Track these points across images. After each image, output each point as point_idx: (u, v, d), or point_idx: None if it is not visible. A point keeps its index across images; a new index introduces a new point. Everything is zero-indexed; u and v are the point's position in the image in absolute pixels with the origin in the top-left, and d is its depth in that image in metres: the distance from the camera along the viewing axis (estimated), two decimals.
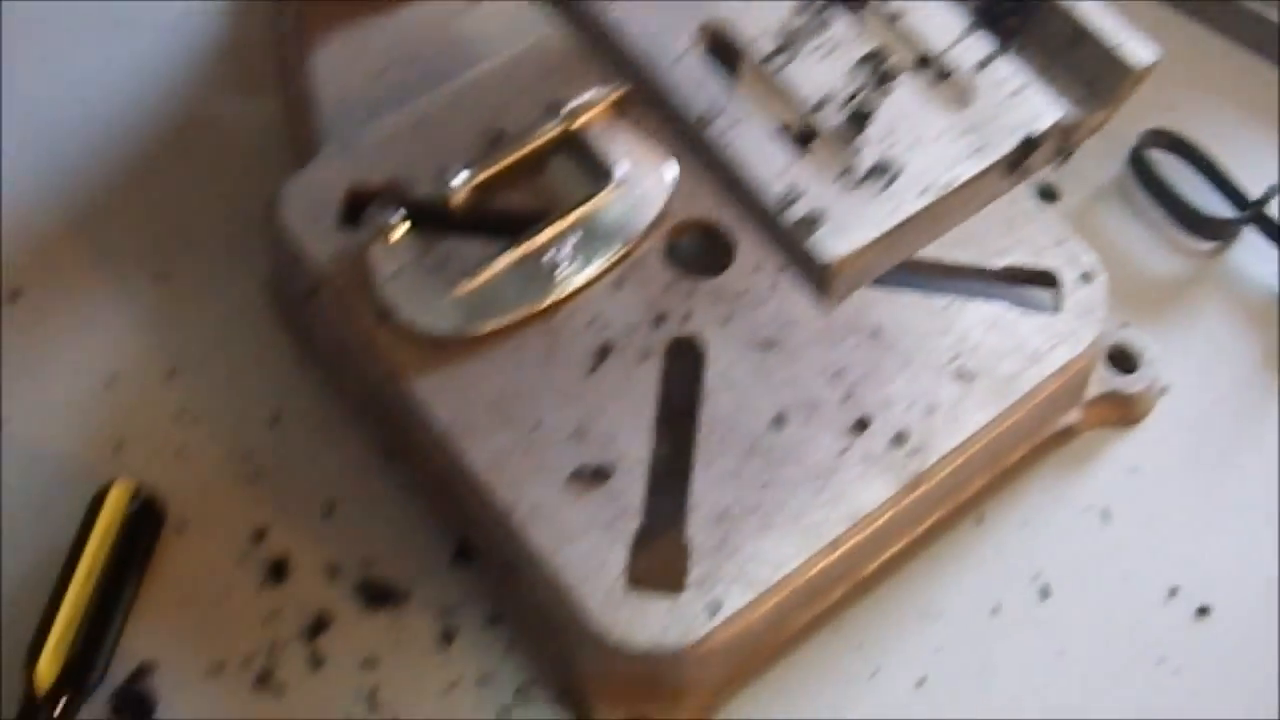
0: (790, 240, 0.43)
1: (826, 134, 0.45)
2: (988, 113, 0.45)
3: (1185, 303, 0.65)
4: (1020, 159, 0.45)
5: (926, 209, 0.44)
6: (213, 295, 0.63)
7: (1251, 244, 0.66)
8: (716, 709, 0.55)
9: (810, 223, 0.42)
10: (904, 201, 0.43)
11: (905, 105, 0.45)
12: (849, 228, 0.43)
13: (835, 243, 0.43)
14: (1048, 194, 0.66)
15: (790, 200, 0.43)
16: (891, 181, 0.44)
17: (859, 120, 0.45)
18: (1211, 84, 0.70)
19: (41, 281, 0.63)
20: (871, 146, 0.44)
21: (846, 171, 0.44)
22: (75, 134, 0.67)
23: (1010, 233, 0.60)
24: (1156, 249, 0.66)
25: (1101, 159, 0.67)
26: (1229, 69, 0.70)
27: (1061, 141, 0.46)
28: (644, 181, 0.59)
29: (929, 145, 0.45)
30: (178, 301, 0.63)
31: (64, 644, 0.54)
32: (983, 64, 0.46)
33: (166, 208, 0.65)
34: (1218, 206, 0.66)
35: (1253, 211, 0.65)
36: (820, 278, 0.43)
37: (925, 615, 0.58)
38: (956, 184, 0.44)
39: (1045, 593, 0.59)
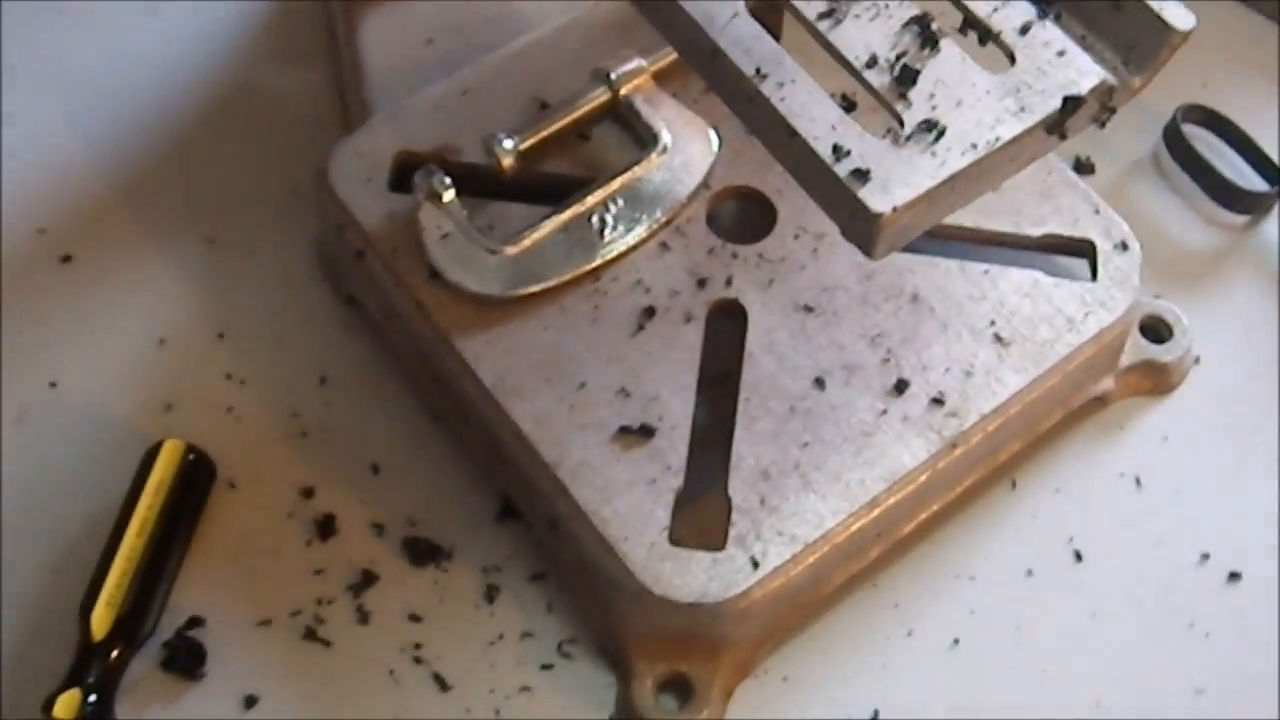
0: (843, 192, 0.44)
1: (874, 93, 0.46)
2: (1030, 75, 0.46)
3: (1218, 275, 0.66)
4: (1062, 120, 0.46)
5: (971, 166, 0.45)
6: (261, 259, 0.64)
7: None
8: (754, 665, 0.57)
9: (862, 174, 0.44)
10: (949, 159, 0.45)
11: (950, 67, 0.46)
12: (897, 182, 0.44)
13: (885, 196, 0.44)
14: (1083, 167, 0.67)
15: (842, 154, 0.44)
16: (938, 139, 0.45)
17: (905, 80, 0.46)
18: (1246, 59, 0.70)
19: (92, 246, 0.65)
20: (918, 106, 0.45)
21: (893, 130, 0.45)
22: (126, 100, 0.68)
23: (1047, 202, 0.61)
24: (1190, 222, 0.67)
25: (1136, 134, 0.68)
26: (1263, 44, 0.71)
27: (1102, 103, 0.47)
28: (687, 149, 0.60)
29: (973, 105, 0.46)
30: (227, 265, 0.64)
31: (117, 596, 0.55)
32: (1025, 28, 0.47)
33: (215, 173, 0.66)
34: (1252, 180, 0.67)
35: None
36: (870, 229, 0.44)
37: (960, 577, 0.59)
38: (1000, 143, 0.45)
39: (1078, 557, 0.59)
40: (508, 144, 0.59)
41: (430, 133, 0.61)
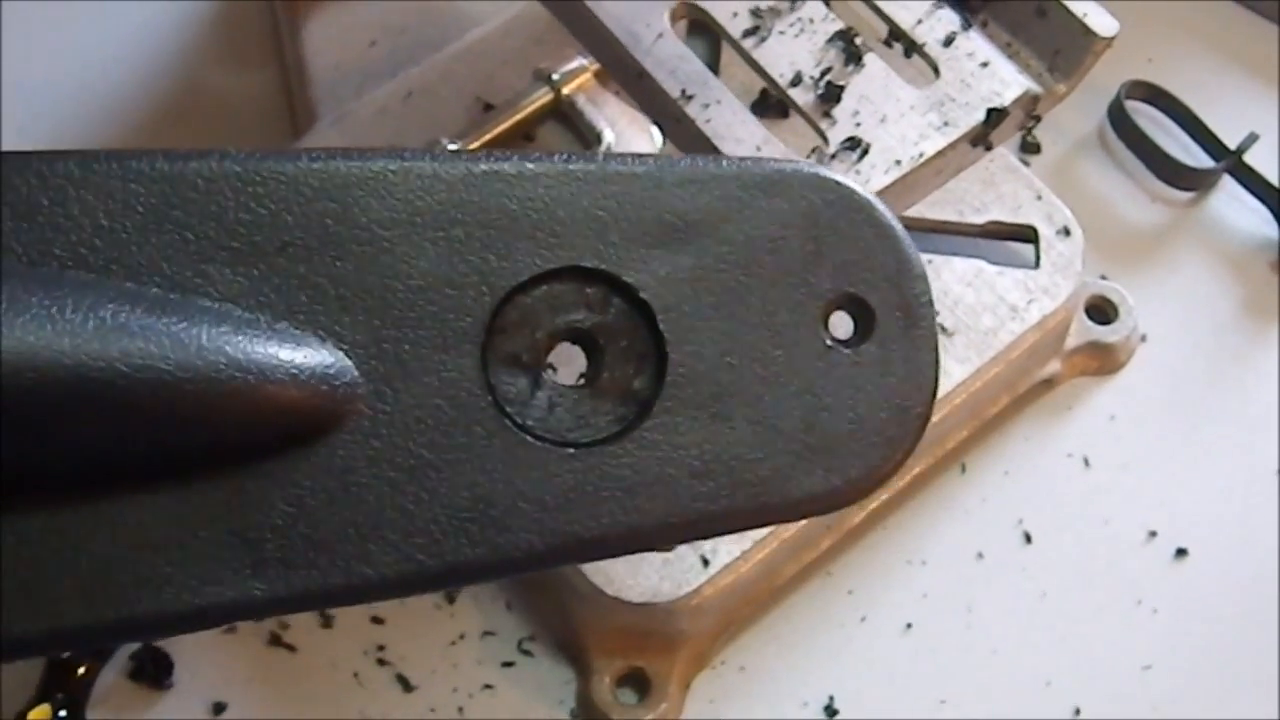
0: None
1: (799, 111, 0.46)
2: (954, 87, 0.47)
3: (1164, 252, 0.66)
4: (986, 132, 0.46)
5: (895, 183, 0.45)
6: None
7: (1229, 193, 0.67)
8: (711, 657, 0.58)
9: None
10: (874, 176, 0.45)
11: (874, 82, 0.47)
12: None
13: None
14: (1029, 147, 0.67)
15: None
16: (861, 157, 0.45)
17: (830, 98, 0.46)
18: (1189, 35, 0.71)
19: None
20: (842, 123, 0.46)
21: (819, 148, 0.45)
22: (73, 106, 0.68)
23: (989, 189, 0.61)
24: (1136, 200, 0.67)
25: (1082, 112, 0.68)
26: (1206, 19, 0.71)
27: (1026, 112, 0.47)
28: (630, 146, 0.60)
29: (897, 121, 0.46)
30: None
31: None
32: (949, 39, 0.48)
33: None
34: (1196, 156, 0.67)
35: (1230, 161, 0.66)
36: None
37: (912, 562, 0.60)
38: (923, 159, 0.45)
39: (1027, 538, 0.60)
40: (452, 147, 0.59)
41: (376, 137, 0.61)
